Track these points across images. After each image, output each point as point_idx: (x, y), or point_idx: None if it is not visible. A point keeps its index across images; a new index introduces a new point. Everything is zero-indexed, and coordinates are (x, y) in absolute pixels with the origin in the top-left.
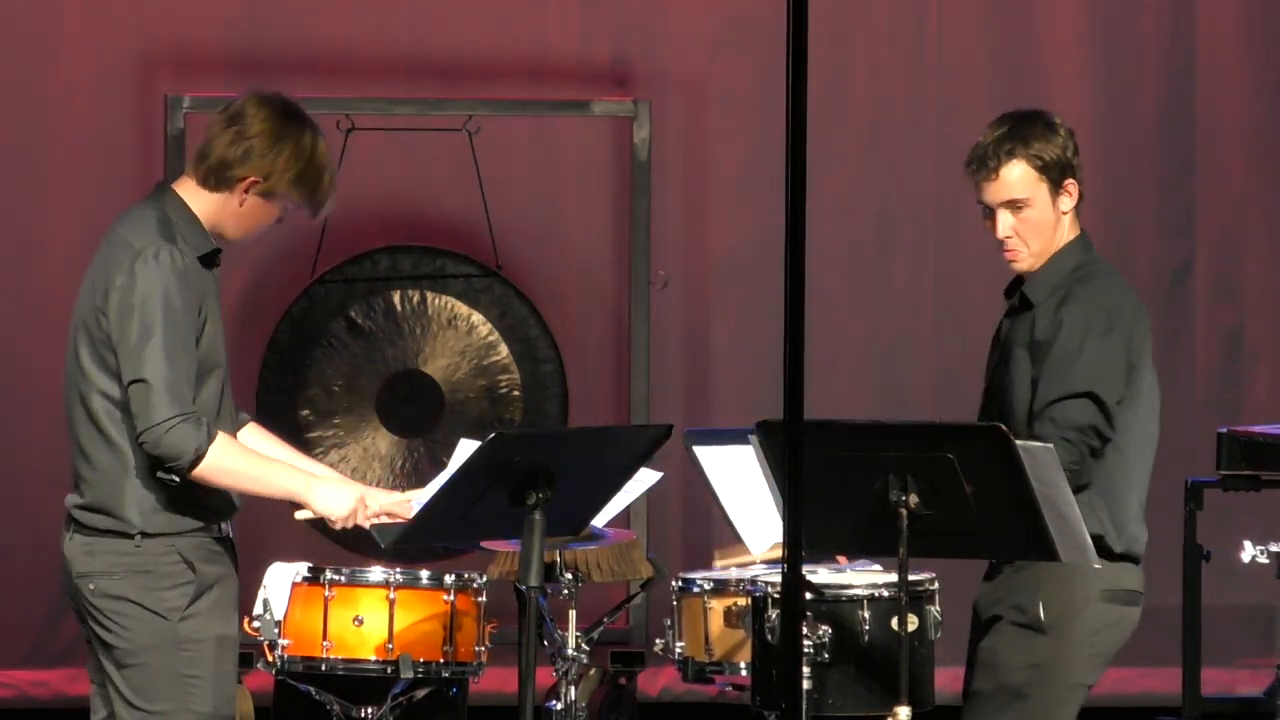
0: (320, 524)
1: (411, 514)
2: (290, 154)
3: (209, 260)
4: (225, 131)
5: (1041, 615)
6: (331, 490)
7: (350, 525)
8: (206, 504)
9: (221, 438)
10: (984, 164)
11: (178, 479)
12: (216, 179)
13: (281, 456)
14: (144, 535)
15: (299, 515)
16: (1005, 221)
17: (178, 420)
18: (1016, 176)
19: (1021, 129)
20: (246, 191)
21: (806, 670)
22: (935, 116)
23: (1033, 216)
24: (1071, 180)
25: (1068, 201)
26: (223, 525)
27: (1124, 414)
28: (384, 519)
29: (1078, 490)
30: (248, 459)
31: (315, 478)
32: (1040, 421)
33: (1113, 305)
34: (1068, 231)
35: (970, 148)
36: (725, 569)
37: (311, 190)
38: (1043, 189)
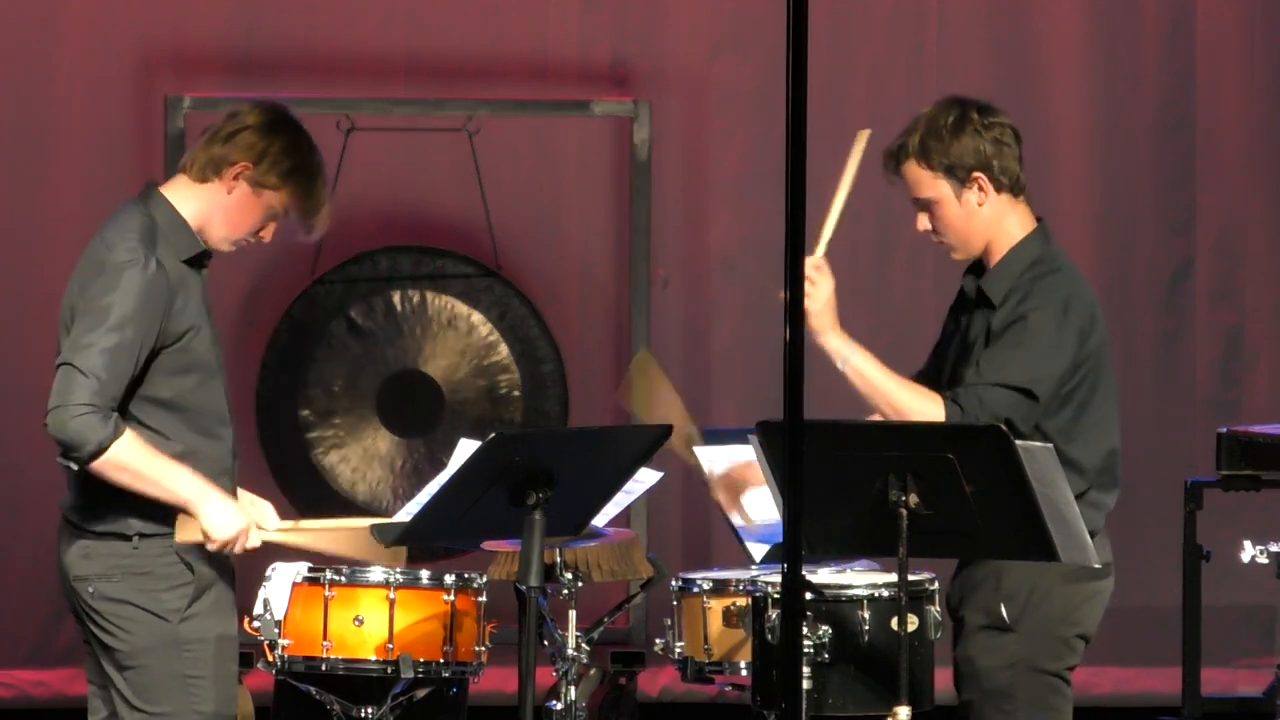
0: (199, 547)
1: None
2: (283, 147)
3: (197, 262)
4: (222, 126)
5: (1004, 614)
6: (225, 510)
7: (226, 551)
8: None
9: (128, 434)
10: (886, 165)
11: (75, 467)
12: (211, 168)
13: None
14: (142, 537)
15: (179, 538)
16: (922, 217)
17: (88, 410)
18: (913, 178)
19: (923, 128)
20: (236, 179)
21: (806, 670)
22: None
23: (942, 214)
24: (981, 174)
25: (978, 196)
26: None
27: (1082, 412)
28: (277, 537)
29: None
30: (150, 459)
31: (213, 491)
32: (968, 394)
33: (1071, 300)
34: (1019, 224)
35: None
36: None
37: (304, 192)
38: (944, 186)
